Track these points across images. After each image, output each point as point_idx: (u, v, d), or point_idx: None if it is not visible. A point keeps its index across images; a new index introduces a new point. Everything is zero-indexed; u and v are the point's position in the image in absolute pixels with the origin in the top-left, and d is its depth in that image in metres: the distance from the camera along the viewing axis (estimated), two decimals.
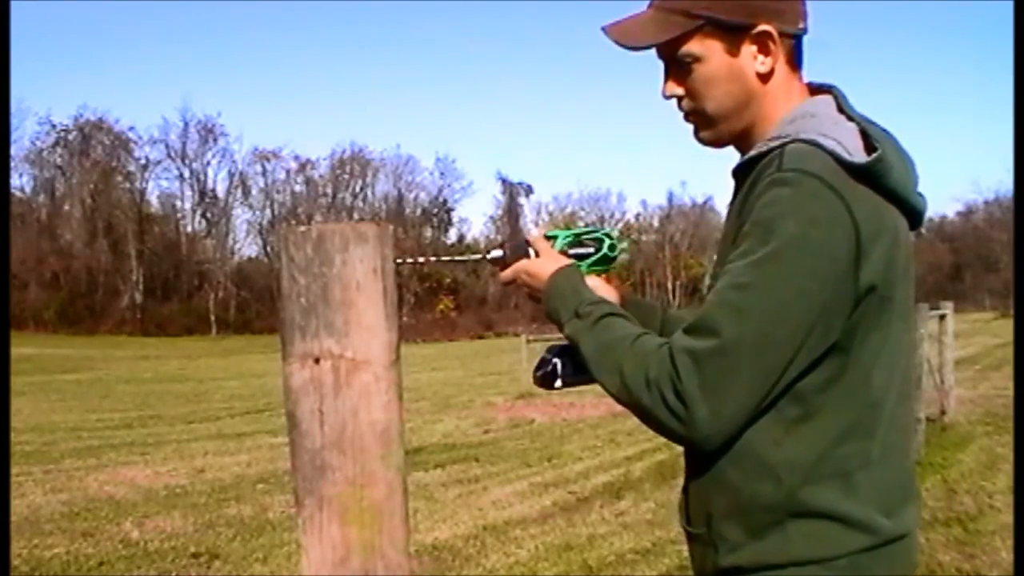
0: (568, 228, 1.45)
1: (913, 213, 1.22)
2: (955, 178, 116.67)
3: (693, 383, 1.07)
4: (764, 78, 1.23)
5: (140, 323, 51.26)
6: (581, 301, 1.26)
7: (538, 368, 1.39)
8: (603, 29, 1.26)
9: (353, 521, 0.85)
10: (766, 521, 1.14)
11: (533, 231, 1.41)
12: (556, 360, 1.37)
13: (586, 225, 1.50)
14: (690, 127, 1.30)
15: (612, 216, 70.91)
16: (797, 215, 1.08)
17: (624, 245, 1.48)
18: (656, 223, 71.25)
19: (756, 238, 1.10)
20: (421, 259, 1.50)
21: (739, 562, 1.16)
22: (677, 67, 1.25)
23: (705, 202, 71.33)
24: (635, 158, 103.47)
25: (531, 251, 1.38)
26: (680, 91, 1.26)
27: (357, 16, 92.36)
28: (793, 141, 1.16)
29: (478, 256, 1.43)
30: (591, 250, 1.43)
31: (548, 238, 1.41)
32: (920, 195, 1.23)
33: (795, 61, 1.26)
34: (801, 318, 1.08)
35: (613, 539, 5.06)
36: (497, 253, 1.40)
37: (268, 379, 18.37)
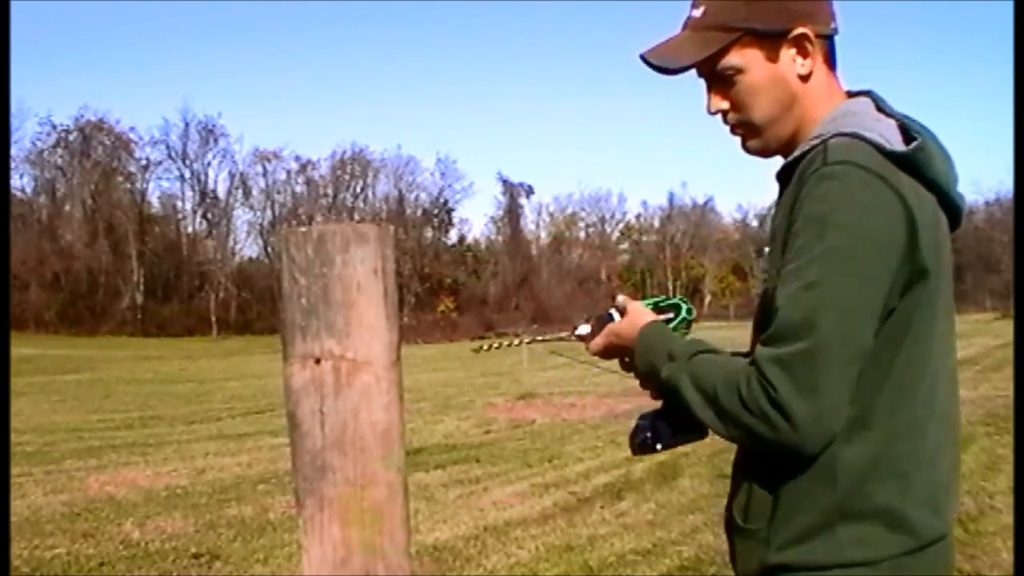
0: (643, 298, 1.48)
1: (954, 210, 1.23)
2: None
3: (787, 388, 1.08)
4: (804, 79, 1.25)
5: (141, 324, 51.19)
6: (674, 345, 1.26)
7: (634, 435, 1.40)
8: (642, 57, 1.27)
9: (354, 522, 0.85)
10: (818, 522, 1.16)
11: (620, 299, 1.43)
12: (651, 426, 1.37)
13: (656, 295, 1.53)
14: (737, 139, 1.31)
15: (612, 216, 71.02)
16: (850, 206, 1.10)
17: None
18: (657, 223, 71.32)
19: (812, 233, 1.11)
20: (505, 342, 1.66)
21: (787, 560, 1.17)
22: (719, 81, 1.26)
23: (706, 203, 71.54)
24: (636, 158, 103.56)
25: (615, 314, 1.39)
26: (725, 105, 1.28)
27: (357, 16, 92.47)
28: (834, 136, 1.17)
29: (565, 334, 1.48)
30: (671, 315, 1.43)
31: None
32: (959, 194, 1.24)
33: (831, 61, 1.28)
34: (874, 304, 1.11)
35: (614, 540, 5.06)
36: (584, 329, 1.43)
37: (269, 380, 18.32)
